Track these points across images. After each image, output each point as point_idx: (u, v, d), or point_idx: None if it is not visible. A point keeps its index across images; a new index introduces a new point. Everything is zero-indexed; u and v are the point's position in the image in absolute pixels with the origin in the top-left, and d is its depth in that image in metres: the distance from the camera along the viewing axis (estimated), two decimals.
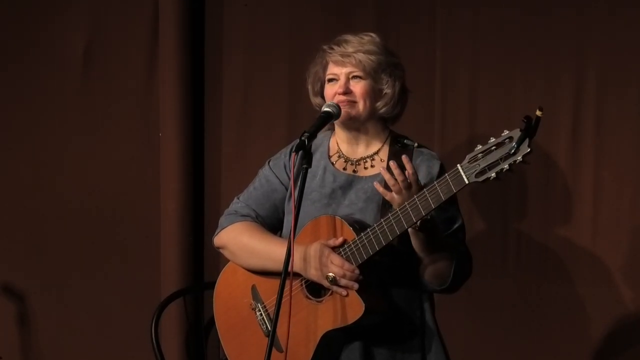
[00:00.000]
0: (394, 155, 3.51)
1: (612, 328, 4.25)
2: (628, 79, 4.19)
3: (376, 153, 3.56)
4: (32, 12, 4.80)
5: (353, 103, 3.50)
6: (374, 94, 3.52)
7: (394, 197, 3.30)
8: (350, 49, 3.50)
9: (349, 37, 3.54)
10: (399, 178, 3.27)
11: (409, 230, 3.31)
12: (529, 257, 4.31)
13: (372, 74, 3.50)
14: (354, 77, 3.51)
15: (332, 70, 3.54)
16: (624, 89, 4.20)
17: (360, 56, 3.49)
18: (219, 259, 4.54)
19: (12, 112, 4.85)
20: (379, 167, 3.52)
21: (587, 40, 4.22)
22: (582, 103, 4.24)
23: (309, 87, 3.63)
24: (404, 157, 3.30)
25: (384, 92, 3.53)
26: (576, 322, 4.27)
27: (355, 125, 3.55)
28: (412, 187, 3.28)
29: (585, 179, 4.25)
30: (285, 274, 3.24)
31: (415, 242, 3.36)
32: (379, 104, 3.53)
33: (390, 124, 3.61)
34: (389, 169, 3.32)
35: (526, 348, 4.33)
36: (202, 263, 4.73)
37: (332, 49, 3.53)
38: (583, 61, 4.24)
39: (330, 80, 3.55)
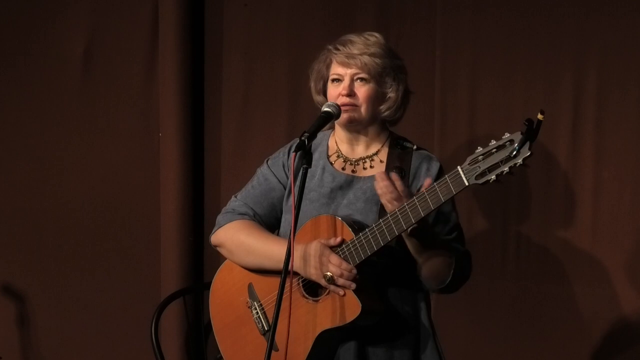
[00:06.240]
0: (393, 157, 3.50)
1: (612, 328, 4.24)
2: (628, 79, 4.18)
3: (375, 154, 3.55)
4: (32, 12, 4.80)
5: (355, 107, 3.49)
6: (377, 98, 3.50)
7: (386, 203, 3.30)
8: (355, 51, 3.47)
9: (354, 38, 3.50)
10: (388, 190, 3.27)
11: (402, 234, 3.31)
12: (529, 257, 4.31)
13: (377, 77, 3.48)
14: (359, 79, 3.48)
15: (337, 70, 3.51)
16: (624, 89, 4.19)
17: (366, 59, 3.46)
18: (218, 259, 4.51)
19: (12, 112, 4.84)
20: (378, 167, 3.51)
21: (587, 40, 4.21)
22: (582, 103, 4.24)
23: (312, 84, 3.61)
24: (392, 174, 3.31)
25: (388, 95, 3.51)
26: (576, 322, 4.27)
27: (356, 128, 3.54)
28: (401, 199, 3.27)
29: (585, 179, 4.25)
30: (285, 274, 3.24)
31: (409, 245, 3.36)
32: (382, 107, 3.52)
33: (390, 125, 3.60)
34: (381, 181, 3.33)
35: (526, 348, 4.33)
36: (202, 263, 4.73)
37: (338, 49, 3.49)
38: (583, 61, 4.23)
39: (334, 80, 3.52)
